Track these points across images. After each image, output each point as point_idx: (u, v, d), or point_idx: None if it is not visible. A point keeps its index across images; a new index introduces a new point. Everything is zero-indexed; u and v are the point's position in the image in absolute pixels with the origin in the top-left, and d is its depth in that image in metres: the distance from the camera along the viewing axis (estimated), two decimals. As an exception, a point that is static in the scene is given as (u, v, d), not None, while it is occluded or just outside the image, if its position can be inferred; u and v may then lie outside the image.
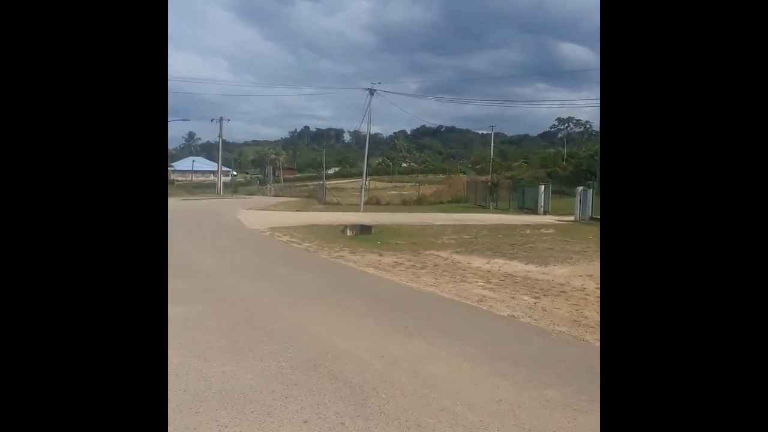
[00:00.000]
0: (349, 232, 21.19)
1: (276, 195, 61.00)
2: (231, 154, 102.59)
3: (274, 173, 74.98)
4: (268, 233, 16.96)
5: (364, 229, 21.75)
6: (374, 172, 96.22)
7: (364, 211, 30.27)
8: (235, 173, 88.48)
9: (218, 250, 12.95)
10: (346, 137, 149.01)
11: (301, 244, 14.18)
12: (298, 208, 32.05)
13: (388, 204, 37.74)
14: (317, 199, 44.58)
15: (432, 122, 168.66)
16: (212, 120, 62.83)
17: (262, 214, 26.52)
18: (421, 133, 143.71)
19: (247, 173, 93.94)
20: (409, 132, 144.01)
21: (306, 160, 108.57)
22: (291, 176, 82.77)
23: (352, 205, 37.37)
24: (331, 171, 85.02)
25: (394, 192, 46.19)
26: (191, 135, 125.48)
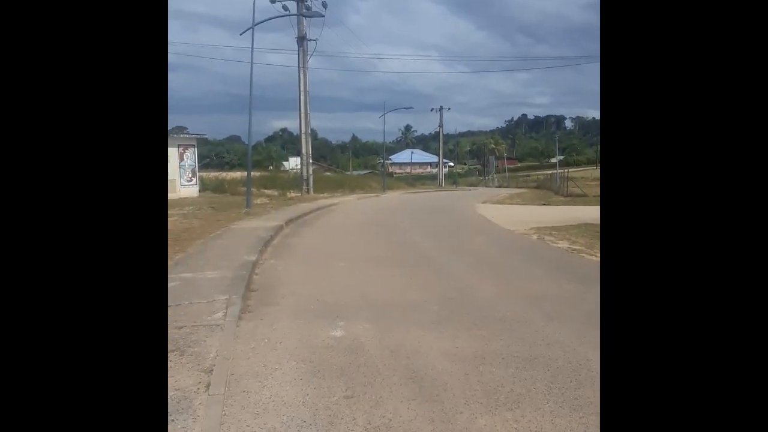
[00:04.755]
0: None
1: (500, 186, 56.78)
2: (446, 145, 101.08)
3: (494, 163, 70.88)
4: (534, 236, 12.67)
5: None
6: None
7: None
8: (452, 164, 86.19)
9: (489, 265, 8.96)
10: (568, 124, 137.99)
11: (595, 257, 9.63)
12: (542, 201, 27.25)
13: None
14: (552, 191, 39.18)
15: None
16: (431, 110, 60.48)
17: (503, 209, 22.35)
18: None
19: (465, 164, 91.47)
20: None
21: (526, 149, 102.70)
22: (512, 166, 77.94)
23: (598, 197, 31.36)
24: (554, 160, 77.90)
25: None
26: (407, 128, 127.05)
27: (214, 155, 70.34)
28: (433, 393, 3.76)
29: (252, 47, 17.54)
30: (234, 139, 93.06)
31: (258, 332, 5.02)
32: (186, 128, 25.56)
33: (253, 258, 8.34)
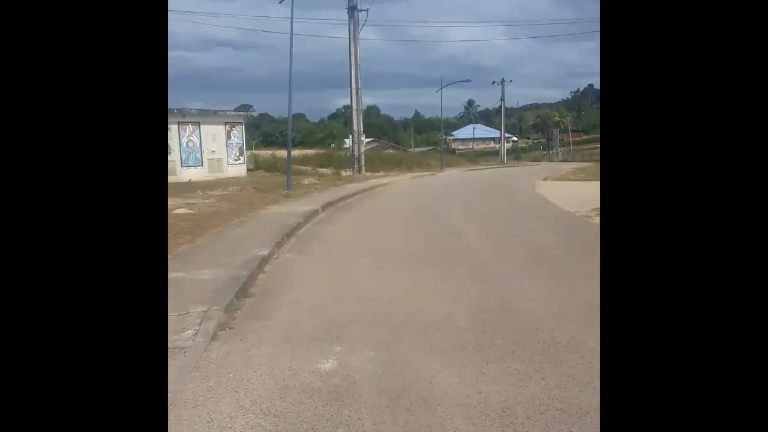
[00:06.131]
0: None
1: (564, 160, 53.95)
2: (510, 119, 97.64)
3: (558, 137, 67.68)
4: (595, 219, 11.08)
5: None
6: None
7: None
8: (515, 139, 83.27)
9: (540, 262, 7.58)
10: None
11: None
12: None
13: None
14: (622, 165, 36.52)
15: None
16: (493, 82, 58.03)
17: (564, 186, 20.55)
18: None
19: (529, 138, 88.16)
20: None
21: (592, 121, 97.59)
22: (577, 138, 74.13)
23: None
24: (625, 132, 73.48)
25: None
26: (470, 102, 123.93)
27: (278, 133, 70.38)
28: (432, 485, 2.54)
29: (291, 17, 16.46)
30: (298, 116, 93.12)
31: (227, 362, 3.92)
32: (251, 106, 25.00)
33: (266, 252, 7.29)
